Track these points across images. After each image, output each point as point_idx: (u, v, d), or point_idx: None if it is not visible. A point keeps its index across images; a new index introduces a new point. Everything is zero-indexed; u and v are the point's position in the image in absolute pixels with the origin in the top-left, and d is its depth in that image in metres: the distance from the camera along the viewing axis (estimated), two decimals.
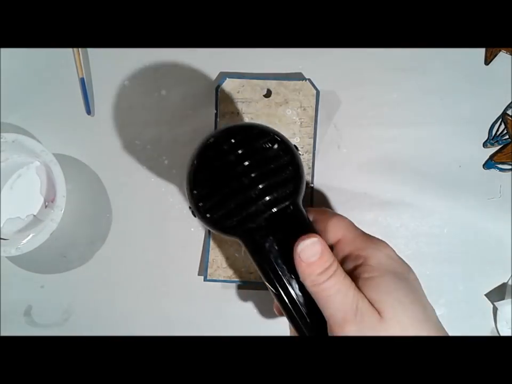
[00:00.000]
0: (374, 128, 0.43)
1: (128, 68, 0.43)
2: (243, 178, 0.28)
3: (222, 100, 0.42)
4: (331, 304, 0.27)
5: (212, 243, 0.42)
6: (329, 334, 0.27)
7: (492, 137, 0.42)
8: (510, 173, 0.42)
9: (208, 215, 0.30)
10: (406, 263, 0.30)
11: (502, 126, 0.42)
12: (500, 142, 0.42)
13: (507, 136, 0.42)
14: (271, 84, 0.42)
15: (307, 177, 0.42)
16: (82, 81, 0.43)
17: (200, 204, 0.30)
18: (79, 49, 0.43)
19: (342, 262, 0.30)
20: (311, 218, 0.32)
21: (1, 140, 0.39)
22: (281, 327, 0.43)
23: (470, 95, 0.43)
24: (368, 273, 0.28)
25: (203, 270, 0.42)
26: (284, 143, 0.30)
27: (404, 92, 0.43)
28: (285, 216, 0.29)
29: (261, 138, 0.29)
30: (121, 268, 0.43)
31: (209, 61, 0.43)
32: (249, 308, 0.43)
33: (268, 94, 0.42)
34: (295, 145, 0.31)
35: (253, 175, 0.28)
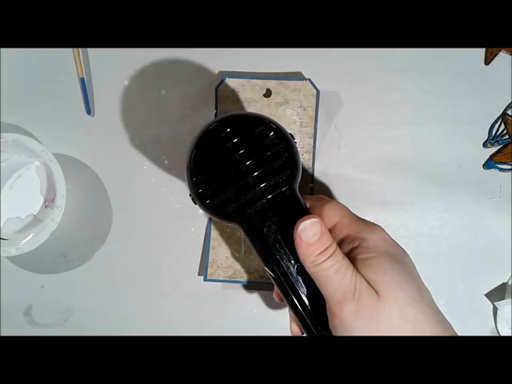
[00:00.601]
0: (374, 128, 0.43)
1: (128, 68, 0.43)
2: (240, 165, 0.30)
3: (221, 100, 0.42)
4: (330, 284, 0.27)
5: (211, 243, 0.42)
6: (328, 314, 0.28)
7: (492, 137, 0.42)
8: (510, 173, 0.42)
9: (207, 202, 0.30)
10: (401, 247, 0.31)
11: (502, 126, 0.42)
12: (500, 142, 0.42)
13: (507, 136, 0.42)
14: (271, 84, 0.42)
15: (307, 177, 0.42)
16: (82, 81, 0.43)
17: (200, 191, 0.31)
18: (79, 49, 0.43)
19: (339, 244, 0.30)
20: (308, 205, 0.32)
21: (1, 139, 0.39)
22: (281, 327, 0.43)
23: (470, 95, 0.43)
24: (364, 254, 0.29)
25: (203, 270, 0.42)
26: (280, 131, 0.31)
27: (404, 91, 0.43)
28: (282, 202, 0.30)
29: (257, 127, 0.31)
30: (121, 268, 0.43)
31: (209, 60, 0.43)
32: (249, 308, 0.43)
33: (268, 93, 0.42)
34: (290, 134, 0.32)
35: (250, 162, 0.30)
